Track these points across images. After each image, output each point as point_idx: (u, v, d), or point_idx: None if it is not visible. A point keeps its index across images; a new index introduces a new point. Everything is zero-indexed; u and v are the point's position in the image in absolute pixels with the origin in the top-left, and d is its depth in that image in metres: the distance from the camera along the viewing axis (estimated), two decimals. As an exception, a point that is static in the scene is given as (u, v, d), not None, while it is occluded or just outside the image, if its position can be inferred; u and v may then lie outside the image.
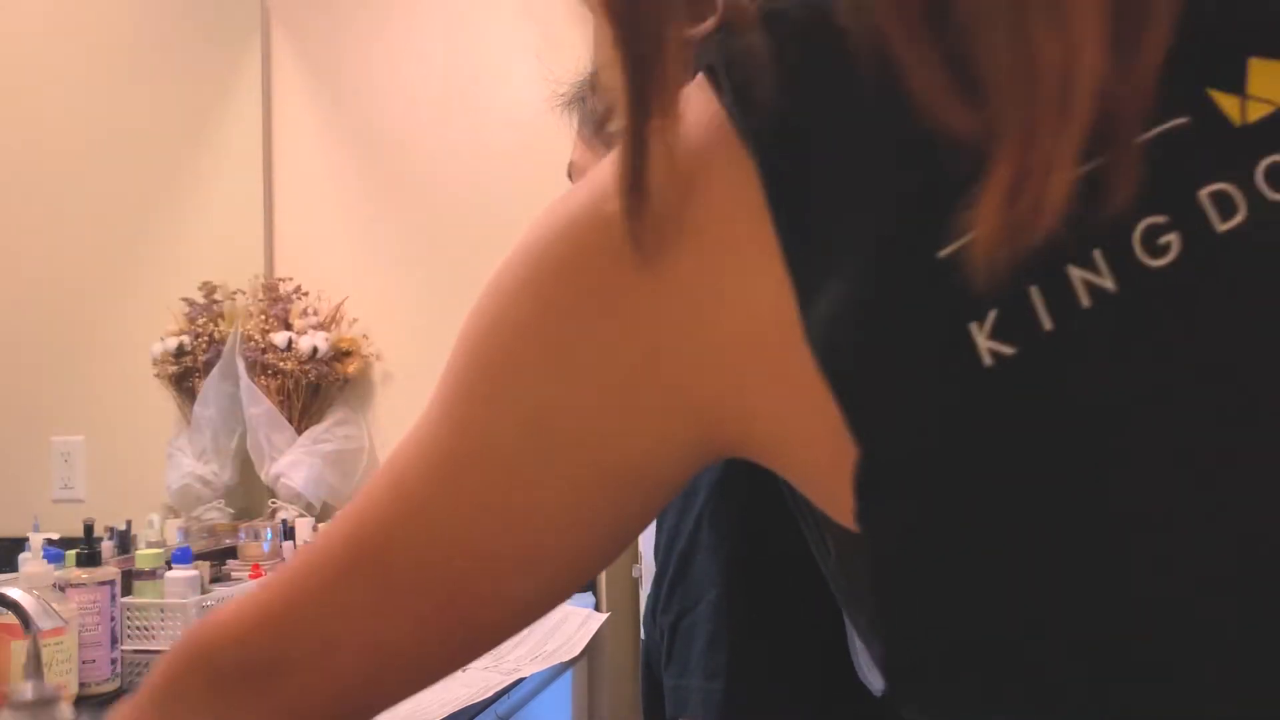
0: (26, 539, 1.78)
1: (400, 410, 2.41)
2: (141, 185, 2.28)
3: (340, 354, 2.37)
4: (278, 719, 0.51)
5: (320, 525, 2.23)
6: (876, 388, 0.36)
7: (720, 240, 0.40)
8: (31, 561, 1.62)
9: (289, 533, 2.07)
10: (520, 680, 1.63)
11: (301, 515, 2.27)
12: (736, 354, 0.40)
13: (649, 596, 0.98)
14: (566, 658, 1.79)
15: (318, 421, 2.37)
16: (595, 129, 1.01)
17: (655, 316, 0.41)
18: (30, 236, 2.01)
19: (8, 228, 1.95)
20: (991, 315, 0.35)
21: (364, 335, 2.41)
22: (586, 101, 1.02)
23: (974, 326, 0.35)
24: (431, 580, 0.47)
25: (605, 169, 0.42)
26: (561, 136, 1.06)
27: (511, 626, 0.49)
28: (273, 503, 2.33)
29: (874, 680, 0.84)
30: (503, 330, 0.45)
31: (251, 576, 2.03)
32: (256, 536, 2.17)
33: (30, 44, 2.05)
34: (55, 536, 1.76)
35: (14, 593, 1.28)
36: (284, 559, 2.04)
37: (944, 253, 0.35)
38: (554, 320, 0.44)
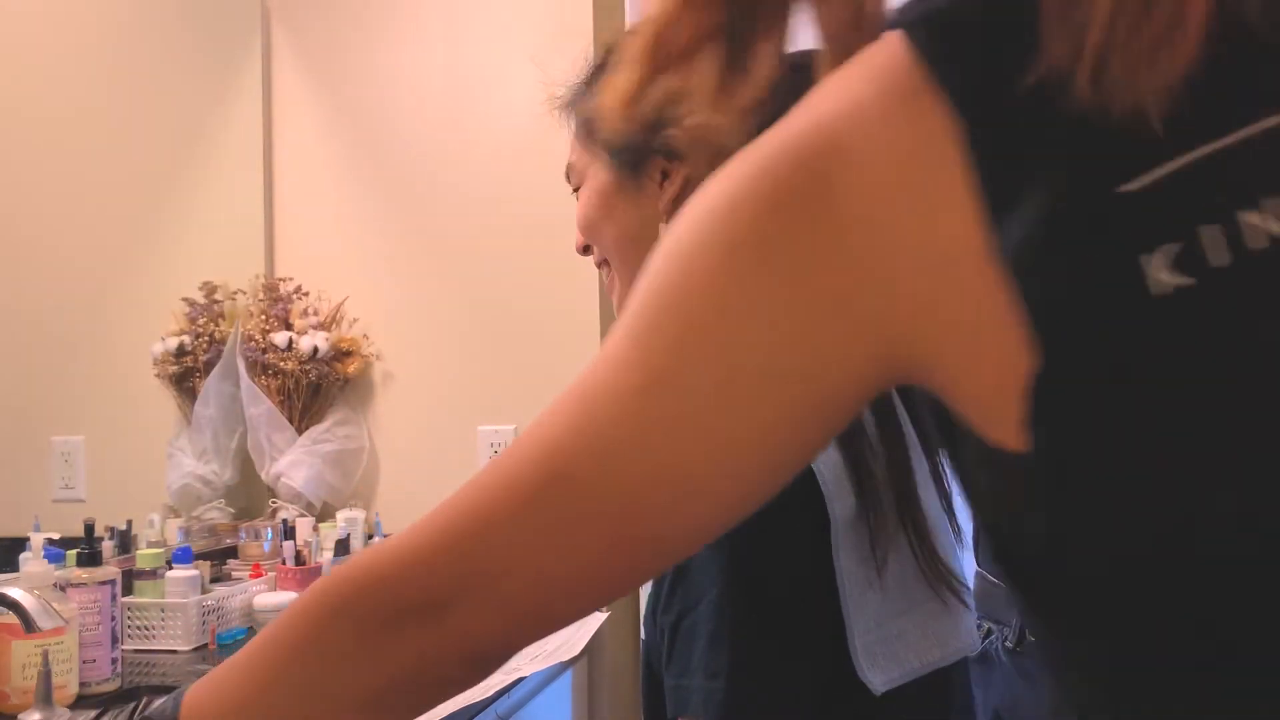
0: (27, 539, 1.78)
1: (400, 410, 2.41)
2: (142, 185, 2.28)
3: (340, 354, 2.37)
4: (439, 654, 0.53)
5: (320, 525, 2.23)
6: (1058, 308, 0.40)
7: (909, 174, 0.44)
8: (32, 561, 1.62)
9: (289, 532, 2.07)
10: (520, 680, 1.63)
11: (302, 515, 2.27)
12: (921, 277, 0.44)
13: (649, 596, 0.98)
14: (566, 657, 1.79)
15: (318, 421, 2.37)
16: (588, 131, 1.01)
17: (847, 249, 0.45)
18: (30, 237, 2.01)
19: (8, 228, 1.96)
20: (1165, 249, 0.38)
21: (364, 335, 2.41)
22: (583, 104, 1.02)
23: (1148, 259, 0.38)
24: (614, 509, 0.49)
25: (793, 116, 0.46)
26: (559, 138, 1.06)
27: (680, 553, 0.52)
28: (273, 502, 2.33)
29: (874, 680, 0.85)
30: (694, 267, 0.48)
31: (252, 576, 2.03)
32: (257, 536, 2.17)
33: (30, 44, 2.05)
34: (56, 536, 1.77)
35: (14, 592, 1.28)
36: (284, 558, 2.04)
37: (1125, 189, 0.39)
38: (746, 258, 0.47)
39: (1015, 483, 0.42)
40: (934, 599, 0.90)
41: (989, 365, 0.42)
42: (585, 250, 1.06)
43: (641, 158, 0.97)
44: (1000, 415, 0.42)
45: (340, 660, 0.54)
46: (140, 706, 0.61)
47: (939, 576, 0.91)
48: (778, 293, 0.46)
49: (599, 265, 1.05)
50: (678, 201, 0.97)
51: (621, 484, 0.49)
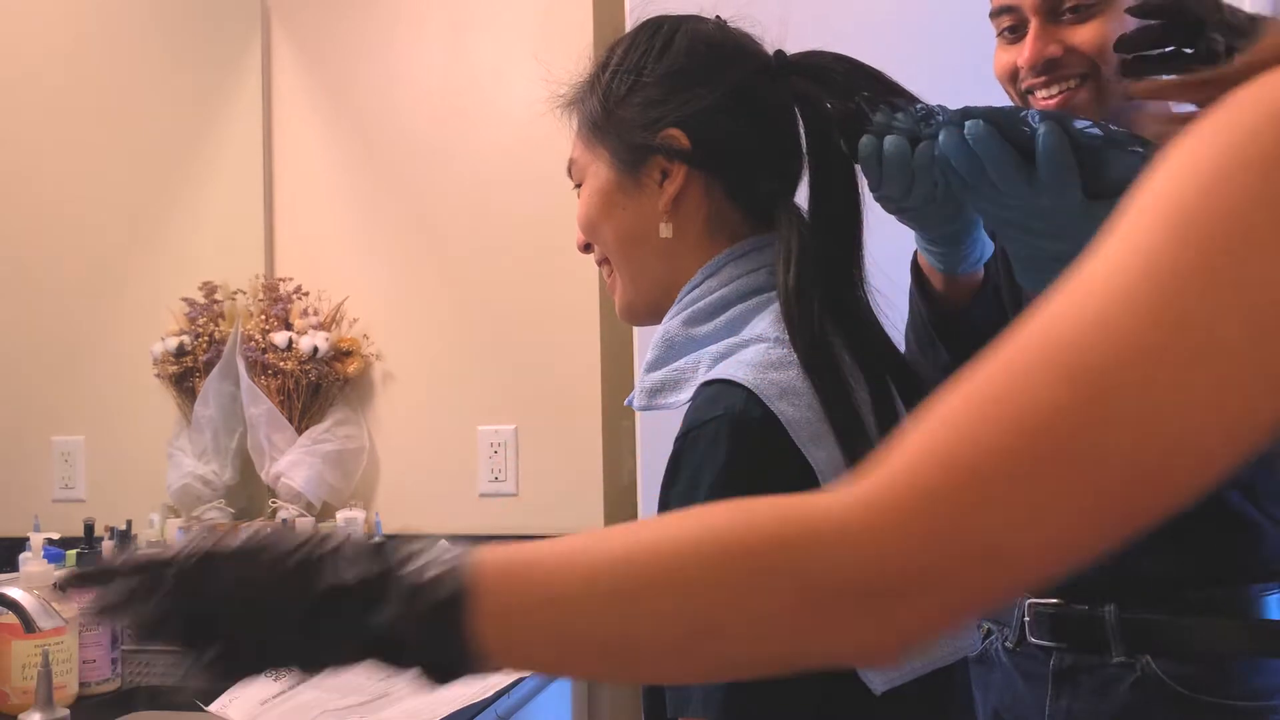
0: (27, 539, 1.78)
1: (400, 410, 2.41)
2: (142, 185, 2.28)
3: (340, 354, 2.37)
4: (879, 643, 0.48)
5: (320, 525, 2.23)
6: None
7: None
8: (32, 561, 1.62)
9: (289, 532, 2.06)
10: (520, 680, 1.63)
11: (302, 515, 2.27)
12: None
13: (649, 596, 0.97)
14: (567, 657, 1.79)
15: (318, 421, 2.37)
16: (593, 126, 1.01)
17: None
18: (31, 236, 2.01)
19: (8, 228, 1.96)
20: None
21: (364, 335, 2.41)
22: (585, 102, 1.02)
23: None
24: (1108, 477, 0.44)
25: None
26: (561, 136, 1.06)
27: (1144, 526, 0.47)
28: (273, 502, 2.33)
29: (874, 679, 0.85)
30: (1233, 206, 0.43)
31: (252, 576, 2.03)
32: (257, 536, 2.17)
33: (30, 45, 2.05)
34: (56, 536, 1.76)
35: (14, 592, 1.28)
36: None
37: None
38: None
39: None
40: (934, 598, 0.90)
41: None
42: (586, 248, 1.06)
43: (642, 157, 0.97)
44: None
45: (759, 615, 0.48)
46: (340, 546, 0.53)
47: (939, 576, 0.91)
48: None
49: (600, 264, 1.05)
50: (678, 200, 0.97)
51: (1112, 444, 0.44)
